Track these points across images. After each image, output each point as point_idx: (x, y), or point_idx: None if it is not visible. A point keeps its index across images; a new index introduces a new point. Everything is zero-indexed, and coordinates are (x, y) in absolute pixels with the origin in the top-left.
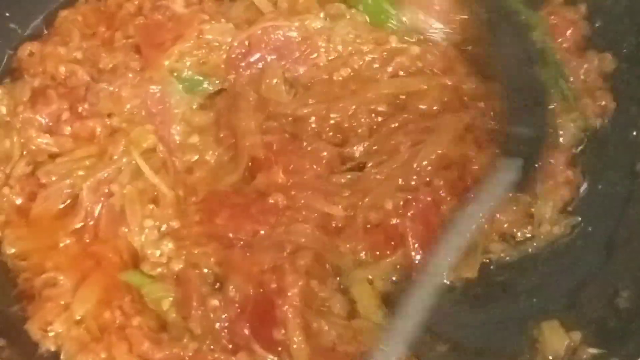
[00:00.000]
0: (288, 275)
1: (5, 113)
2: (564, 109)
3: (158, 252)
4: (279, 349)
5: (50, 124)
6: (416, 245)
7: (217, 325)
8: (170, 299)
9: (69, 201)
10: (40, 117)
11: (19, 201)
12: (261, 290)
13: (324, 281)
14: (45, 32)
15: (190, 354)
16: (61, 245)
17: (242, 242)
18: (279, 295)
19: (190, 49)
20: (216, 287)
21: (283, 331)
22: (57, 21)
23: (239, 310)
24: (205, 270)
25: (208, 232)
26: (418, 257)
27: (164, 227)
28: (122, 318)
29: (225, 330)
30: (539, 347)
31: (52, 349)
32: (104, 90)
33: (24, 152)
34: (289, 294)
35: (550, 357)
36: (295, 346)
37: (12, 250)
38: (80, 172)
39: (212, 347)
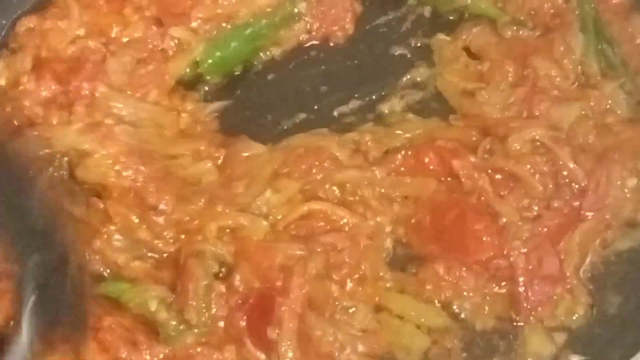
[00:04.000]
0: (295, 277)
1: (4, 85)
2: (611, 75)
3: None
4: (270, 348)
5: (49, 96)
6: None
7: (214, 311)
8: (157, 296)
9: None
10: (43, 90)
11: None
12: (267, 285)
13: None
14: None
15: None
16: None
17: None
18: (282, 294)
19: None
20: (220, 275)
21: (277, 331)
22: None
23: (240, 301)
24: (209, 262)
25: None
26: None
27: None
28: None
29: (223, 321)
30: (518, 348)
31: None
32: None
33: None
34: (291, 296)
35: None
36: (283, 349)
37: None
38: None
39: (204, 340)
